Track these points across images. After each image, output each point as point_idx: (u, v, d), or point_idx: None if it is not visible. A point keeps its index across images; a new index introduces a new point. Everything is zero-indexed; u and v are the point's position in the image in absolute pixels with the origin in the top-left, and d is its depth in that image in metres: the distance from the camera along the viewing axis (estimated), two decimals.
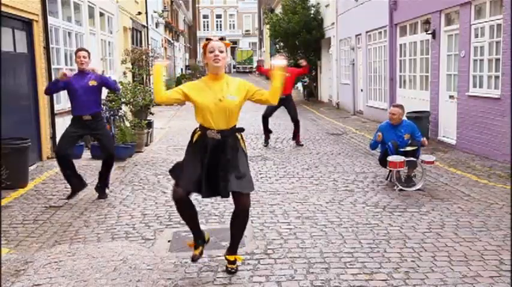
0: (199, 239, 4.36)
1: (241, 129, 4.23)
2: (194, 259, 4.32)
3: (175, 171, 4.25)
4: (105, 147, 6.78)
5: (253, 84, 4.33)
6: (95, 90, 6.60)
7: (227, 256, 4.31)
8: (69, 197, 6.66)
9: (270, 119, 11.30)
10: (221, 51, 4.09)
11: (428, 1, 11.39)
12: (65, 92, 6.78)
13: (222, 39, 4.19)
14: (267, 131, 11.31)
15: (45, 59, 9.50)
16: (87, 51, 6.77)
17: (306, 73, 12.06)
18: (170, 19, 30.32)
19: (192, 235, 4.39)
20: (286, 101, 10.52)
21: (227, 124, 4.08)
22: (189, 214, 4.22)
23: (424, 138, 7.36)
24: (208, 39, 4.16)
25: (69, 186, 6.77)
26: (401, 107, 7.52)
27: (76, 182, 6.67)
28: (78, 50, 6.85)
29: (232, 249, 4.30)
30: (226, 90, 4.07)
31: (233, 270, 4.27)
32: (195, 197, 6.76)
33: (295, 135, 11.31)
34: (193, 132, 4.20)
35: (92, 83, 6.53)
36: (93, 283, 4.07)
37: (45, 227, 5.62)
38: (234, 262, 4.30)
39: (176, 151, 10.50)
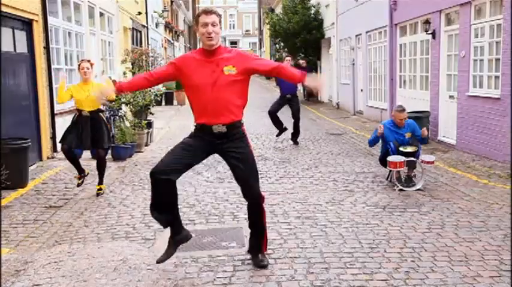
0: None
1: None
2: None
3: None
4: None
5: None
6: None
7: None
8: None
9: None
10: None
11: (428, 1, 11.38)
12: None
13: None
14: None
15: (45, 59, 9.50)
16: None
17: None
18: (170, 19, 30.28)
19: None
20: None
21: None
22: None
23: (424, 129, 7.35)
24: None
25: (69, 186, 6.99)
26: (405, 110, 7.49)
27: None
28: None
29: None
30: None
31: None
32: (195, 198, 6.82)
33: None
34: None
35: None
36: (93, 283, 4.07)
37: (45, 227, 5.62)
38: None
39: None
